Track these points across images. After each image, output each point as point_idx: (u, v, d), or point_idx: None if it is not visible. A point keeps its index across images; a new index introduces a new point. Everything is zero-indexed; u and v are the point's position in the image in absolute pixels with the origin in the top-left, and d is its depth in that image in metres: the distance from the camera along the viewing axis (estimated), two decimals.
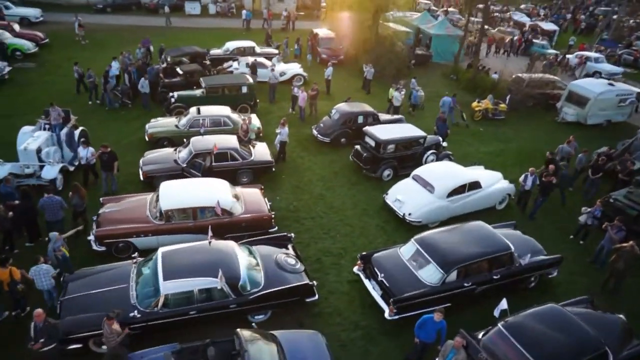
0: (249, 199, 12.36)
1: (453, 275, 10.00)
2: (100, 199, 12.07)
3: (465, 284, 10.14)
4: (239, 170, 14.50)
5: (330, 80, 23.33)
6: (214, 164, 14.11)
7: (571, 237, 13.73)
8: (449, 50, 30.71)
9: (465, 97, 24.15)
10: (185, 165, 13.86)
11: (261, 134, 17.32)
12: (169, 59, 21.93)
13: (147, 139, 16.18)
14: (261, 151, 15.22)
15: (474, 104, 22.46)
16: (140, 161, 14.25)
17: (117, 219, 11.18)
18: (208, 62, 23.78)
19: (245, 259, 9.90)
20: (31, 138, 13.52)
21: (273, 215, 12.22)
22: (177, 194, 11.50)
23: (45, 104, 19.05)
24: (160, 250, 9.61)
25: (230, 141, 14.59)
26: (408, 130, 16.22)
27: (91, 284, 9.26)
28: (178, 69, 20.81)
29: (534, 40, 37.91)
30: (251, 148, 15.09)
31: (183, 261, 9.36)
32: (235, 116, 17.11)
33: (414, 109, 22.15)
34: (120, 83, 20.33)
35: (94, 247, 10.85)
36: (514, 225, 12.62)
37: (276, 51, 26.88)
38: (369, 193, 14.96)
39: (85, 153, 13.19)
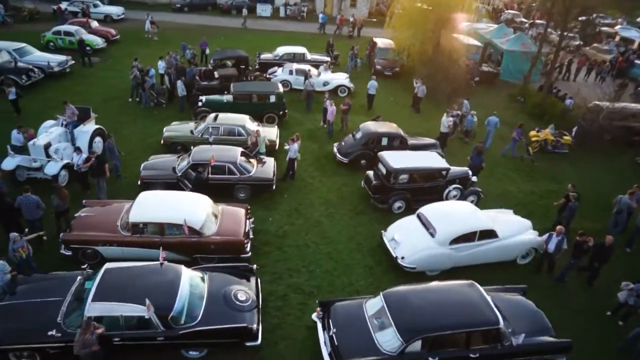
0: (226, 220, 11.67)
1: (416, 346, 8.41)
2: (84, 200, 12.14)
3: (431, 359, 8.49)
4: (236, 186, 13.89)
5: (373, 95, 21.88)
6: (210, 176, 13.67)
7: (608, 313, 11.20)
8: (521, 69, 27.57)
9: (528, 124, 21.37)
10: (180, 175, 13.58)
11: (277, 147, 16.56)
12: (211, 62, 22.11)
13: (162, 142, 16.22)
14: (264, 167, 14.47)
15: (532, 132, 19.67)
16: (142, 165, 14.23)
17: (88, 224, 11.10)
18: (254, 67, 23.76)
19: (188, 289, 9.18)
20: (44, 133, 14.09)
21: (247, 241, 11.43)
22: (149, 206, 11.16)
23: (93, 98, 20.38)
24: (105, 266, 9.24)
25: (231, 154, 14.03)
26: (429, 160, 14.46)
27: (32, 292, 9.14)
28: (215, 73, 20.84)
29: (636, 61, 32.95)
30: (254, 163, 14.41)
31: (121, 282, 8.89)
32: (252, 126, 16.56)
33: (467, 135, 19.89)
34: (160, 83, 20.89)
35: (62, 250, 10.87)
36: (523, 290, 10.50)
37: (327, 59, 26.03)
38: (371, 226, 13.52)
39: (77, 160, 13.16)
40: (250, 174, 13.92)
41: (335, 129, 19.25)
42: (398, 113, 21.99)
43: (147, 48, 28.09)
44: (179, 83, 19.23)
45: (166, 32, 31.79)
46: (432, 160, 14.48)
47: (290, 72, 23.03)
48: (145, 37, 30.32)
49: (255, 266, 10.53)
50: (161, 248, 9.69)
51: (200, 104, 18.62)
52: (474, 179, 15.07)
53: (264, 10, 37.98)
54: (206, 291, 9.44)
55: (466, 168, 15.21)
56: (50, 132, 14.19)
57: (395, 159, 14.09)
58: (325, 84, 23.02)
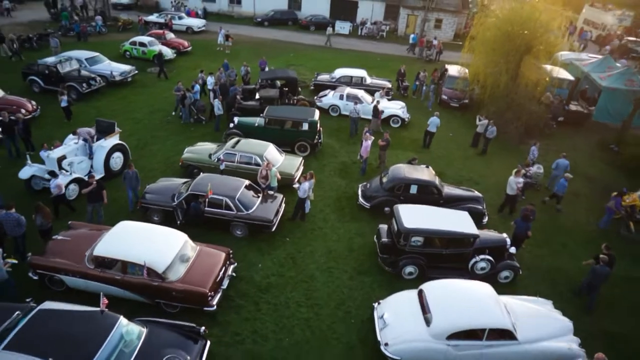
0: (198, 265, 10.58)
1: None
2: (69, 222, 11.87)
3: None
4: (232, 222, 12.81)
5: (433, 133, 19.34)
6: (206, 208, 12.77)
7: None
8: (621, 111, 23.07)
9: (620, 181, 17.61)
10: (175, 204, 12.86)
11: (295, 181, 15.18)
12: (259, 81, 21.52)
13: (180, 163, 15.77)
14: (268, 205, 13.21)
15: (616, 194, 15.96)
16: (146, 187, 13.79)
17: (60, 249, 10.69)
18: (308, 88, 22.76)
19: (116, 345, 8.17)
20: (62, 146, 14.30)
21: (213, 293, 10.23)
22: (118, 239, 10.46)
23: (141, 108, 20.89)
24: (41, 306, 8.62)
25: (232, 188, 13.00)
26: (455, 221, 12.02)
27: None
28: (257, 94, 20.15)
29: None
30: (258, 199, 13.23)
31: (46, 329, 8.15)
32: (274, 156, 15.44)
33: (527, 190, 16.39)
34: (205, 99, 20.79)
35: (29, 273, 10.60)
36: None
37: (388, 84, 24.13)
38: (370, 291, 11.53)
39: (52, 184, 12.69)
40: (249, 212, 12.74)
41: (372, 166, 17.41)
42: (454, 152, 19.46)
43: (213, 61, 28.54)
44: (216, 102, 18.84)
45: (239, 45, 32.27)
46: (458, 222, 12.04)
47: (341, 97, 21.60)
48: (217, 50, 30.98)
49: (203, 329, 9.23)
50: (102, 294, 8.83)
51: (231, 125, 17.99)
52: (513, 250, 12.29)
53: (342, 27, 37.05)
54: (137, 351, 8.36)
55: (504, 235, 12.49)
56: (67, 144, 14.37)
57: (412, 215, 11.93)
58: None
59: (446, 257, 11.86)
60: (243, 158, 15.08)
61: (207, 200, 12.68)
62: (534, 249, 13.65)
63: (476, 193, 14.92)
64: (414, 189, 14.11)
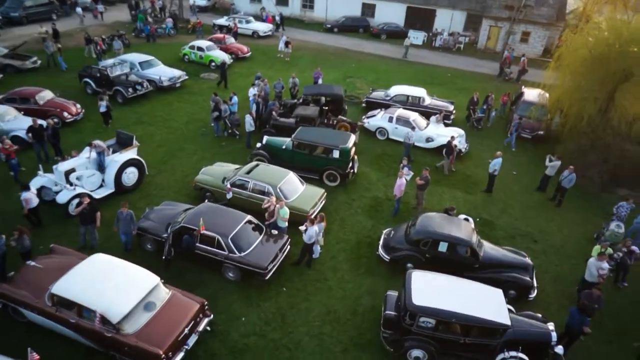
0: (162, 317, 9.27)
1: None
2: (52, 245, 11.21)
3: None
4: (224, 264, 11.38)
5: (495, 177, 16.16)
6: (198, 244, 11.49)
7: None
8: None
9: None
10: (165, 236, 11.73)
11: (301, 227, 13.08)
12: (302, 97, 19.98)
13: (192, 184, 14.73)
14: (266, 248, 11.59)
15: None
16: (146, 210, 12.86)
17: (27, 279, 9.97)
18: (360, 105, 20.84)
19: None
20: (73, 158, 13.88)
21: (171, 354, 8.83)
22: (83, 276, 9.48)
23: (180, 117, 20.38)
24: None
25: (228, 224, 11.57)
26: (481, 303, 9.47)
27: None
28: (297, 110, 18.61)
29: None
30: (256, 239, 11.67)
31: None
32: (291, 187, 13.80)
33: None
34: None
35: None
36: None
37: (450, 107, 21.34)
38: None
39: (21, 196, 12.16)
40: (242, 255, 11.23)
41: (408, 206, 15.09)
42: (513, 195, 16.43)
43: (270, 68, 27.63)
44: (247, 117, 17.61)
45: (300, 52, 31.09)
46: (486, 303, 9.47)
47: (390, 119, 19.34)
48: (277, 57, 30.04)
49: None
50: (29, 349, 7.81)
51: (258, 144, 16.65)
52: (560, 350, 9.42)
53: (415, 37, 34.31)
54: None
55: (549, 327, 9.64)
56: (78, 157, 13.93)
57: (426, 287, 9.60)
58: (429, 140, 18.66)
59: (465, 346, 9.38)
60: (256, 187, 13.61)
61: (199, 235, 11.39)
62: (597, 345, 10.55)
63: (526, 259, 12.01)
64: (443, 247, 11.65)
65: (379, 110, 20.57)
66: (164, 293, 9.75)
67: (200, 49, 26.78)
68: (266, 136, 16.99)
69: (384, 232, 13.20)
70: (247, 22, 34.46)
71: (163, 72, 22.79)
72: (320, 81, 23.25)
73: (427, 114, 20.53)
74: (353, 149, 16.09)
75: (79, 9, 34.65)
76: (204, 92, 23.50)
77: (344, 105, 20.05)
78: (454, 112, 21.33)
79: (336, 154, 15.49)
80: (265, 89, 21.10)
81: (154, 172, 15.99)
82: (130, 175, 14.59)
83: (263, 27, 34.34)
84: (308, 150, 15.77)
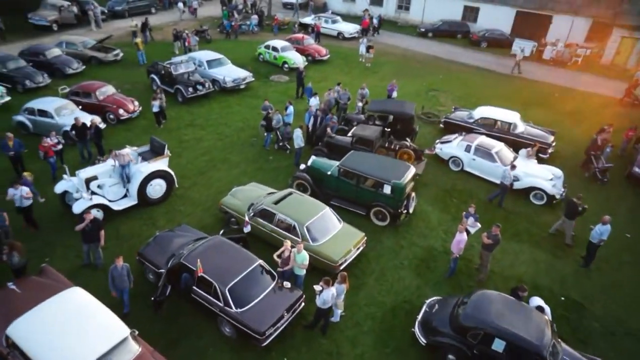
0: None
1: None
2: (43, 264, 10.19)
3: None
4: (219, 317, 9.51)
5: (598, 246, 11.99)
6: (194, 287, 9.77)
7: None
8: None
9: None
10: (163, 269, 10.15)
11: (316, 288, 10.58)
12: (366, 113, 17.46)
13: (218, 205, 13.09)
14: (271, 305, 9.47)
15: None
16: (157, 234, 11.44)
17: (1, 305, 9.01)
18: (436, 125, 17.82)
19: None
20: (96, 165, 12.97)
21: None
22: (44, 318, 8.16)
23: (235, 122, 19.06)
24: None
25: (233, 269, 9.65)
26: None
27: None
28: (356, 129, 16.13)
29: None
30: (262, 292, 9.61)
31: None
32: (323, 226, 11.52)
33: None
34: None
35: None
36: None
37: (550, 139, 17.28)
38: None
39: (16, 193, 11.47)
40: (239, 311, 9.24)
41: (469, 266, 11.98)
42: (623, 269, 12.39)
43: (346, 74, 25.37)
44: (297, 132, 15.56)
45: (384, 58, 28.33)
46: None
47: (468, 148, 16.03)
48: (358, 62, 27.63)
49: None
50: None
51: (303, 166, 14.55)
52: None
53: (521, 48, 29.56)
54: None
55: None
56: (103, 164, 12.99)
57: None
58: (515, 179, 15.05)
59: None
60: (282, 221, 11.55)
61: (196, 277, 9.64)
62: None
63: None
64: (499, 345, 8.54)
65: (457, 134, 17.28)
66: (131, 352, 8.10)
67: (274, 49, 25.39)
68: (314, 156, 14.85)
69: (427, 302, 10.34)
70: (334, 22, 32.44)
71: (228, 73, 21.70)
72: (394, 95, 20.42)
73: (517, 145, 16.80)
74: (410, 185, 13.30)
75: (180, 5, 35.29)
76: (269, 95, 21.87)
77: (414, 126, 17.11)
78: (553, 144, 17.25)
79: (387, 189, 12.82)
80: (330, 99, 18.94)
81: (188, 184, 14.73)
82: (156, 188, 13.39)
83: (349, 29, 32.07)
84: (355, 181, 13.29)
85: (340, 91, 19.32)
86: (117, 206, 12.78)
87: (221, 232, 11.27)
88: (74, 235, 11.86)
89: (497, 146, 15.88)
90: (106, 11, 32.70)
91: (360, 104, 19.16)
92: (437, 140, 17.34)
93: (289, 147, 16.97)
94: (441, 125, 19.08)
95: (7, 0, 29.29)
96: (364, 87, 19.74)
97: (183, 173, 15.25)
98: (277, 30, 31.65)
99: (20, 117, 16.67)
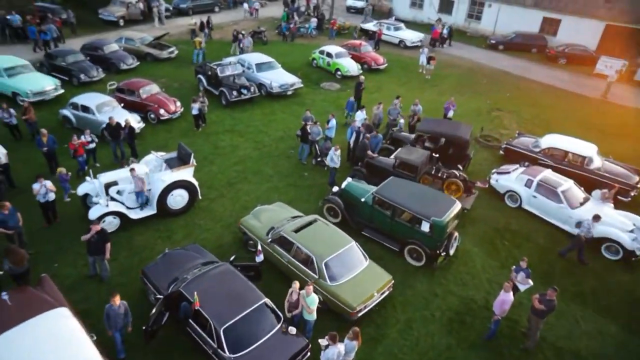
0: None
1: None
2: (43, 275, 9.64)
3: None
4: (212, 358, 8.46)
5: None
6: (190, 320, 8.81)
7: None
8: None
9: None
10: (163, 293, 9.29)
11: (321, 343, 8.84)
12: (415, 133, 15.79)
13: (237, 225, 12.10)
14: (269, 353, 8.27)
15: None
16: (166, 252, 10.64)
17: None
18: (495, 150, 15.86)
19: None
20: (117, 170, 12.45)
21: None
22: (14, 343, 7.49)
23: (274, 132, 18.13)
24: None
25: (233, 306, 8.58)
26: None
27: None
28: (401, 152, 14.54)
29: None
30: (263, 335, 8.45)
31: None
32: (343, 264, 10.16)
33: None
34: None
35: None
36: None
37: (635, 179, 14.66)
38: None
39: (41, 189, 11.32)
40: (232, 357, 8.13)
41: (513, 327, 10.07)
42: None
43: (402, 86, 23.69)
44: (331, 151, 14.24)
45: (447, 71, 26.25)
46: None
47: (529, 183, 13.90)
48: (417, 73, 25.79)
49: None
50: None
51: (335, 189, 13.23)
52: None
53: (607, 66, 26.17)
54: None
55: None
56: (123, 169, 12.44)
57: None
58: (579, 226, 12.72)
59: None
60: (300, 253, 10.32)
61: (193, 310, 8.68)
62: None
63: None
64: None
65: (518, 165, 15.14)
66: None
67: (329, 54, 24.23)
68: (349, 179, 13.49)
69: None
70: (397, 29, 30.71)
71: (277, 77, 20.83)
72: (450, 114, 18.48)
73: (591, 183, 14.39)
74: (453, 223, 11.57)
75: (245, 5, 35.17)
76: (316, 104, 20.86)
77: (467, 152, 15.21)
78: (638, 186, 14.61)
79: (425, 227, 11.19)
80: (378, 114, 17.47)
81: (213, 195, 13.93)
82: (177, 199, 12.66)
83: (411, 37, 30.19)
84: (391, 213, 11.77)
85: (398, 104, 17.80)
86: (134, 214, 12.20)
87: (232, 257, 10.25)
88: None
89: (565, 184, 13.63)
90: (171, 8, 33.24)
91: (402, 121, 17.44)
92: (494, 170, 15.30)
93: (326, 163, 15.69)
94: (501, 152, 16.94)
95: None
96: (417, 103, 17.99)
97: (211, 183, 14.51)
98: (334, 34, 30.53)
99: (65, 111, 16.77)
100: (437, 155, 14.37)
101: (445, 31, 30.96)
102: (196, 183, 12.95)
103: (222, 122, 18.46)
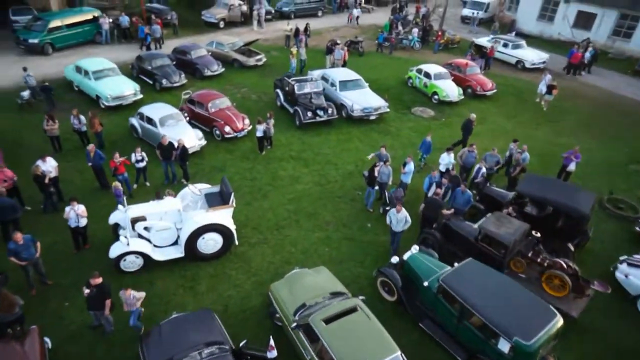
0: None
1: None
2: (32, 326, 8.49)
3: None
4: None
5: None
6: None
7: None
8: None
9: None
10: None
11: None
12: (515, 194, 12.24)
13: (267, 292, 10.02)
14: None
15: None
16: (173, 315, 8.96)
17: None
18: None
19: None
20: (147, 204, 11.07)
21: None
22: None
23: (350, 163, 15.82)
24: None
25: None
26: None
27: None
28: (487, 219, 11.23)
29: None
30: None
31: None
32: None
33: None
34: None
35: None
36: None
37: None
38: None
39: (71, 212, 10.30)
40: None
41: None
42: None
43: (511, 119, 19.73)
44: (391, 213, 11.33)
45: (572, 102, 21.49)
46: None
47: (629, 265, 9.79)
48: (533, 103, 21.46)
49: None
50: None
51: (395, 259, 10.48)
52: None
53: None
54: None
55: None
56: (154, 203, 11.03)
57: None
58: None
59: None
60: (325, 354, 7.92)
61: None
62: None
63: None
64: None
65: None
66: None
67: (426, 74, 21.09)
68: (415, 248, 10.66)
69: None
70: (516, 46, 26.17)
71: (360, 99, 18.38)
72: (571, 167, 14.40)
73: None
74: (548, 345, 8.22)
75: (355, 11, 32.86)
76: (402, 134, 18.04)
77: (585, 229, 11.37)
78: None
79: (504, 346, 8.04)
80: (469, 159, 14.20)
81: (255, 240, 12.07)
82: (209, 243, 10.99)
83: (532, 57, 25.45)
84: (459, 311, 8.80)
85: (513, 149, 14.41)
86: (160, 255, 10.81)
87: (242, 343, 8.23)
88: (107, 279, 10.27)
89: None
90: (273, 11, 32.47)
91: (483, 169, 13.78)
92: (623, 257, 11.23)
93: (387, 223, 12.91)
94: (637, 229, 12.63)
95: None
96: (525, 150, 14.26)
97: (258, 222, 12.68)
98: (437, 48, 27.06)
99: (133, 120, 16.26)
100: (538, 235, 10.79)
101: (588, 54, 25.34)
102: (233, 227, 11.18)
103: (289, 145, 16.61)
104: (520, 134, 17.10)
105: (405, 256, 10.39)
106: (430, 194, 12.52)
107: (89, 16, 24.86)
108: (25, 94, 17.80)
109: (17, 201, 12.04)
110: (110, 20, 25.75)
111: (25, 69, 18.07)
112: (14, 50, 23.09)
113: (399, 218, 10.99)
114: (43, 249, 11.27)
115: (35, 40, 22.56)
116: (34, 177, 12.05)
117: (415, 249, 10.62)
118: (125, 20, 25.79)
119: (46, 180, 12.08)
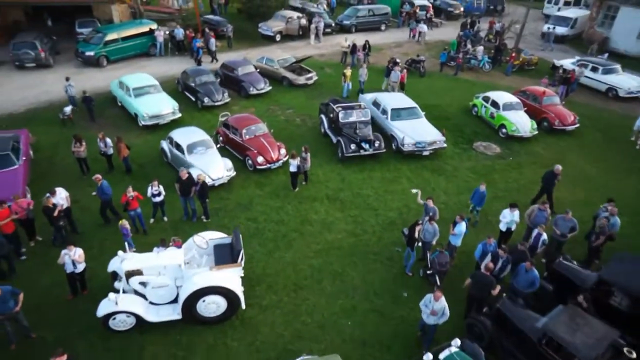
0: None
1: None
2: None
3: None
4: None
5: None
6: None
7: None
8: None
9: None
10: None
11: None
12: (600, 272, 9.46)
13: None
14: None
15: None
16: None
17: None
18: None
19: None
20: (146, 255, 9.71)
21: None
22: None
23: (395, 209, 13.74)
24: None
25: None
26: None
27: None
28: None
29: None
30: None
31: None
32: None
33: None
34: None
35: None
36: None
37: None
38: None
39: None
40: None
41: None
42: None
43: (594, 164, 16.46)
44: (426, 299, 9.01)
45: None
46: None
47: None
48: (626, 142, 17.92)
49: None
50: None
51: (429, 357, 8.24)
52: None
53: None
54: None
55: None
56: (153, 255, 9.65)
57: None
58: None
59: None
60: None
61: None
62: None
63: None
64: None
65: None
66: None
67: (494, 104, 18.35)
68: (457, 343, 8.36)
69: None
70: (607, 70, 22.38)
71: (413, 131, 16.07)
72: None
73: None
74: None
75: (423, 27, 30.10)
76: (459, 174, 15.57)
77: None
78: None
79: None
80: (538, 215, 11.51)
81: (267, 302, 10.38)
82: (210, 306, 9.45)
83: (629, 84, 21.62)
84: None
85: (606, 213, 11.46)
86: (154, 316, 9.42)
87: None
88: (93, 337, 9.12)
89: None
90: (333, 24, 30.89)
91: (544, 236, 10.90)
92: None
93: (440, 284, 10.64)
94: None
95: (248, 10, 30.41)
96: (615, 213, 11.27)
97: (275, 279, 10.99)
98: (510, 70, 23.97)
99: (164, 144, 15.31)
100: (629, 350, 8.03)
101: None
102: (240, 290, 9.57)
103: (326, 182, 14.79)
104: (607, 184, 14.03)
105: (442, 356, 8.15)
106: (482, 265, 10.11)
107: (146, 28, 24.76)
108: (68, 109, 17.57)
109: (26, 233, 11.46)
110: (166, 32, 25.57)
111: (67, 79, 17.96)
112: (73, 62, 23.40)
113: (436, 308, 8.74)
114: (39, 290, 10.51)
115: (92, 53, 22.68)
116: (43, 209, 11.26)
117: (456, 344, 8.34)
118: (179, 32, 25.44)
119: (55, 213, 11.24)
